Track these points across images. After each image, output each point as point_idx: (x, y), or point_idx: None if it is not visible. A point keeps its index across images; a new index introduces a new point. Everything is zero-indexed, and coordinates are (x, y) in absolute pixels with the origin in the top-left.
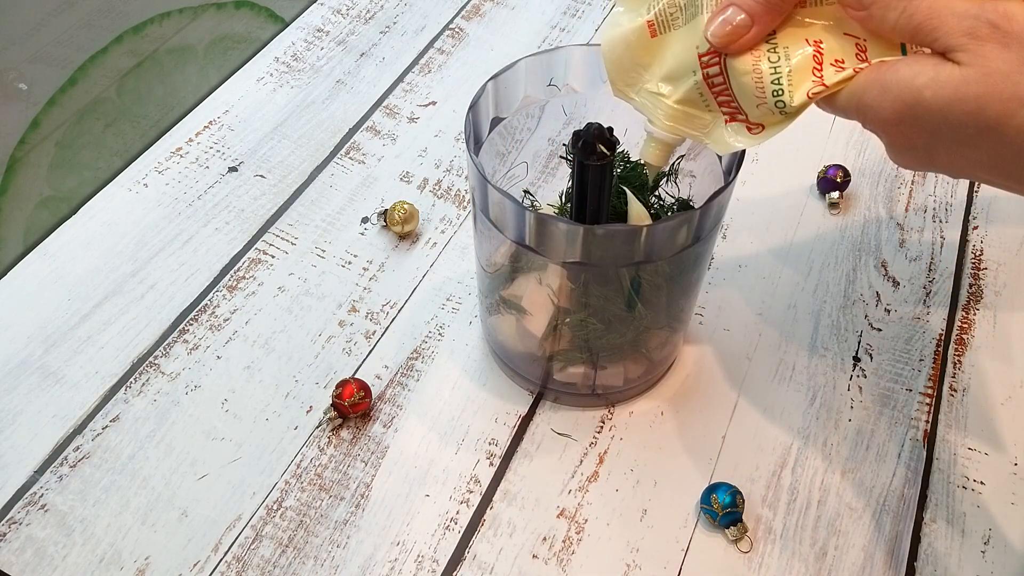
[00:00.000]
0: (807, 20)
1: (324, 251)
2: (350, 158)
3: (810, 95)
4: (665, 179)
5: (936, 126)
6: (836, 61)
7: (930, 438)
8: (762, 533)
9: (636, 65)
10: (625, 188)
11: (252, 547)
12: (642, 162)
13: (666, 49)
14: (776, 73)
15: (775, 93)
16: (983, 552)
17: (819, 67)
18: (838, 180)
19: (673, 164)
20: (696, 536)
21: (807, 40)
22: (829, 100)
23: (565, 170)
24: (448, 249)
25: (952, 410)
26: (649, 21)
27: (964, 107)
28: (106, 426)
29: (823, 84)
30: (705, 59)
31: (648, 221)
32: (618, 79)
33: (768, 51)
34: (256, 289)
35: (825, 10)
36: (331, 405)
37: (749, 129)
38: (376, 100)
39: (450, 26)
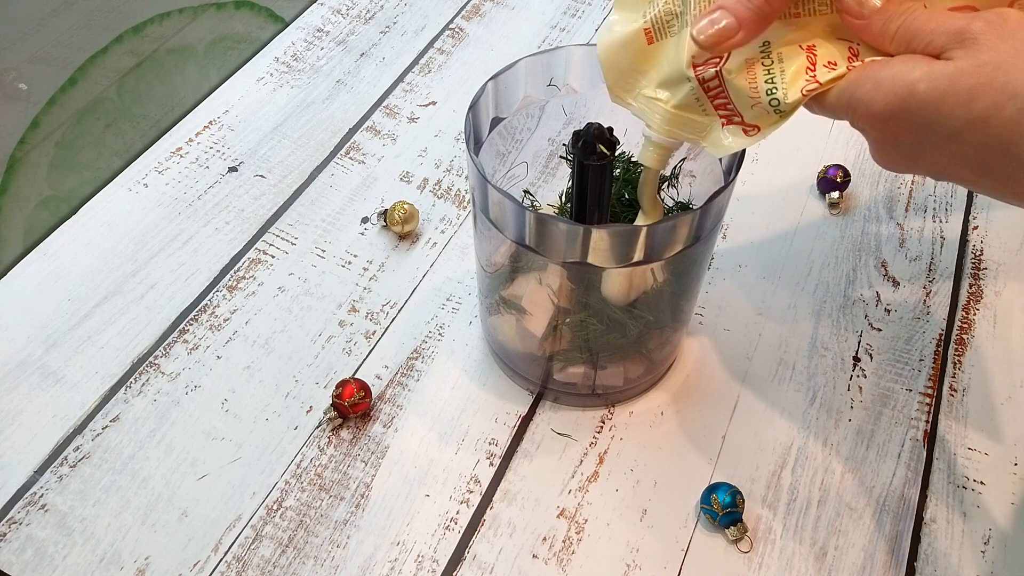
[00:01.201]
0: (800, 27)
1: (324, 251)
2: (350, 158)
3: (804, 92)
4: (666, 183)
5: (926, 121)
6: (829, 63)
7: (930, 438)
8: (762, 533)
9: (633, 71)
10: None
11: (252, 547)
12: (641, 164)
13: (663, 55)
14: (770, 74)
15: (769, 92)
16: (983, 552)
17: (812, 67)
18: (838, 180)
19: (674, 169)
20: (696, 536)
21: (800, 45)
22: (819, 99)
23: (565, 170)
24: (448, 249)
25: (952, 410)
26: (646, 28)
27: (957, 99)
28: (106, 426)
29: (816, 81)
30: (700, 65)
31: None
32: (615, 85)
33: (762, 56)
34: (256, 289)
35: (818, 19)
36: (331, 405)
37: (745, 131)
38: (376, 100)
39: (450, 26)
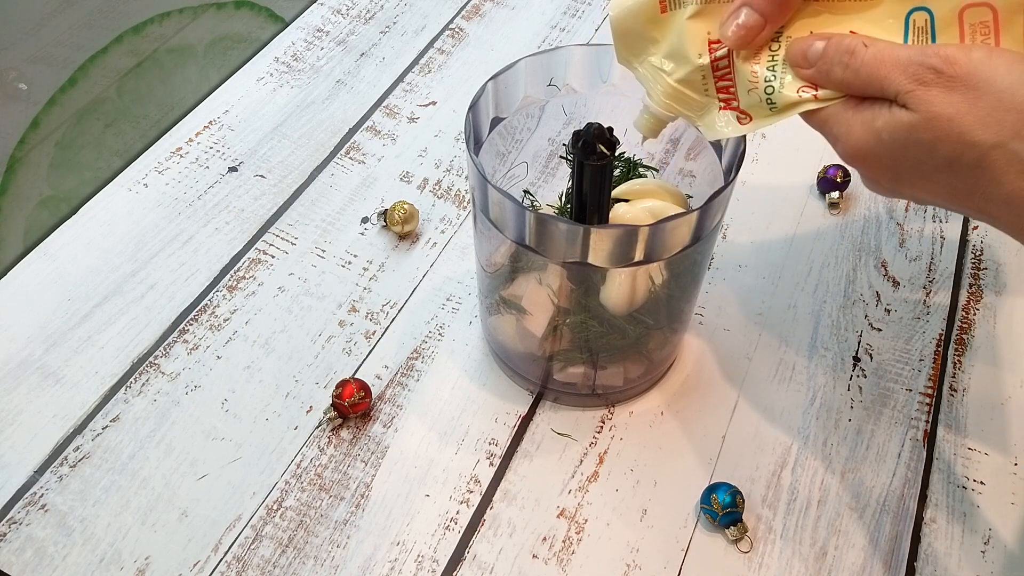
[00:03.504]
0: (817, 10)
1: (324, 251)
2: (350, 158)
3: (800, 96)
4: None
5: (896, 162)
6: None
7: (930, 438)
8: (762, 533)
9: (643, 37)
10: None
11: (252, 547)
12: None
13: (674, 27)
14: (772, 61)
15: (767, 79)
16: (983, 552)
17: None
18: (838, 180)
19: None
20: (696, 536)
21: (811, 32)
22: (810, 115)
23: (565, 170)
24: (448, 249)
25: (952, 410)
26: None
27: (919, 148)
28: (106, 426)
29: (815, 95)
30: (715, 44)
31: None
32: (624, 47)
33: (771, 41)
34: (256, 289)
35: (836, 4)
36: (331, 405)
37: (739, 119)
38: (376, 100)
39: (450, 26)
